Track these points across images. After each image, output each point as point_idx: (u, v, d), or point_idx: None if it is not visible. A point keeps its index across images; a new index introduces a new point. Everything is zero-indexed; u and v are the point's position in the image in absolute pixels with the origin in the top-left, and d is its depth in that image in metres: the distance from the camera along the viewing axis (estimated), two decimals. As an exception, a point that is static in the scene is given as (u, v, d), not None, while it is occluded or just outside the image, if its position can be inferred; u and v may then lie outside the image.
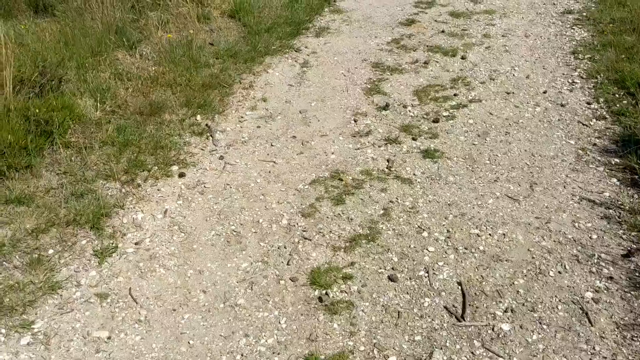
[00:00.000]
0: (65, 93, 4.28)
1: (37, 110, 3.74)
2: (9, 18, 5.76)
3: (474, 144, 4.11)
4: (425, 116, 4.49)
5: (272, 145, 4.15)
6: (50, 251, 3.09)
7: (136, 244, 3.20)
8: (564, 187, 3.62)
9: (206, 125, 4.35)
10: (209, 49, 5.41)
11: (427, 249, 3.13)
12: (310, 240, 3.22)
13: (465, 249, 3.13)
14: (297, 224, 3.36)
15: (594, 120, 4.33)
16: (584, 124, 4.29)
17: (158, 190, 3.63)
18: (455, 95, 4.77)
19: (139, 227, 3.33)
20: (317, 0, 6.70)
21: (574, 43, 5.67)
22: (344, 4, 6.88)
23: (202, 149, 4.09)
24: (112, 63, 4.93)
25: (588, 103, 4.57)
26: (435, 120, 4.40)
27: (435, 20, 6.35)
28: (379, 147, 4.11)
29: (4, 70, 3.86)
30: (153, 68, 4.96)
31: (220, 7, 6.26)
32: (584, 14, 6.37)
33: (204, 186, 3.69)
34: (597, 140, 4.08)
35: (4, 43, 3.93)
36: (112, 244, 3.18)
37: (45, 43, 4.81)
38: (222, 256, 3.13)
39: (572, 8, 6.59)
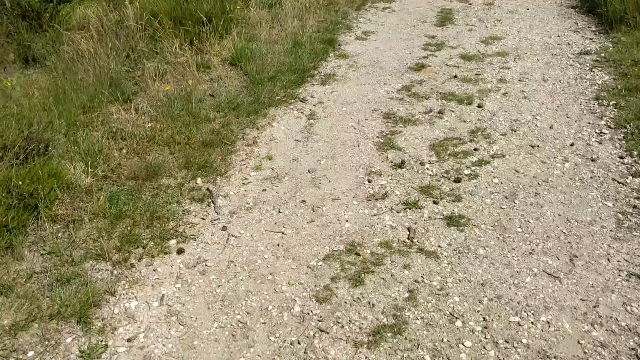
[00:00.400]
0: (54, 157, 3.92)
1: (20, 182, 3.38)
2: (-2, 70, 5.46)
3: (502, 208, 3.74)
4: (445, 175, 4.12)
5: (279, 211, 3.78)
6: (30, 353, 2.69)
7: (129, 340, 2.80)
8: (608, 260, 3.24)
9: (207, 189, 3.98)
10: (209, 101, 5.08)
11: (462, 344, 2.73)
12: (328, 333, 2.82)
13: (507, 342, 2.73)
14: (312, 311, 2.96)
15: (630, 177, 3.97)
16: (619, 182, 3.93)
17: (154, 270, 3.24)
18: (475, 149, 4.42)
19: (132, 318, 2.93)
20: (321, 45, 6.40)
21: (595, 87, 5.34)
22: (350, 47, 6.58)
23: (202, 218, 3.71)
24: (106, 120, 4.58)
25: (621, 157, 4.21)
26: (457, 180, 4.04)
27: (447, 64, 6.04)
28: (398, 212, 3.74)
29: (-16, 138, 3.51)
30: (149, 124, 4.62)
31: (221, 54, 5.96)
32: (602, 54, 6.06)
33: (206, 264, 3.30)
34: (637, 202, 3.71)
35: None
36: (101, 341, 2.78)
37: (33, 100, 4.47)
38: (227, 355, 2.72)
39: (588, 48, 6.29)
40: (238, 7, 6.63)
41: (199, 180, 4.06)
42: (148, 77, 5.22)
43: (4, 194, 3.38)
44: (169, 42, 5.81)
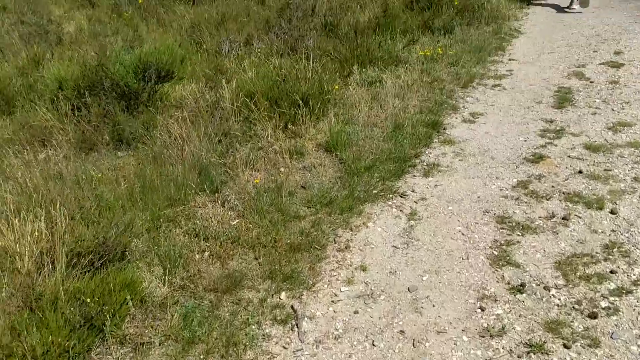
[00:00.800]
0: (130, 263, 3.62)
1: (88, 299, 3.06)
2: (91, 152, 5.38)
3: (655, 362, 2.97)
4: (576, 306, 3.40)
5: (373, 344, 3.21)
6: None
7: None
8: None
9: (291, 307, 3.50)
10: (300, 194, 4.67)
11: None
12: None
13: None
14: None
15: None
16: None
17: (224, 419, 2.77)
18: (612, 272, 3.66)
19: None
20: (424, 129, 5.88)
21: None
22: (456, 132, 6.00)
23: (284, 347, 3.21)
24: (191, 214, 4.28)
25: None
26: (592, 316, 3.30)
27: (569, 156, 5.31)
28: (519, 358, 3.06)
29: (57, 244, 3.25)
30: (235, 222, 4.25)
31: (316, 137, 5.59)
32: None
33: (284, 415, 2.78)
34: None
35: (60, 213, 3.36)
36: None
37: (118, 193, 4.26)
38: None
39: None
40: (337, 86, 6.30)
41: (283, 295, 3.60)
42: (239, 165, 4.92)
43: (71, 309, 3.07)
44: (262, 124, 5.54)
